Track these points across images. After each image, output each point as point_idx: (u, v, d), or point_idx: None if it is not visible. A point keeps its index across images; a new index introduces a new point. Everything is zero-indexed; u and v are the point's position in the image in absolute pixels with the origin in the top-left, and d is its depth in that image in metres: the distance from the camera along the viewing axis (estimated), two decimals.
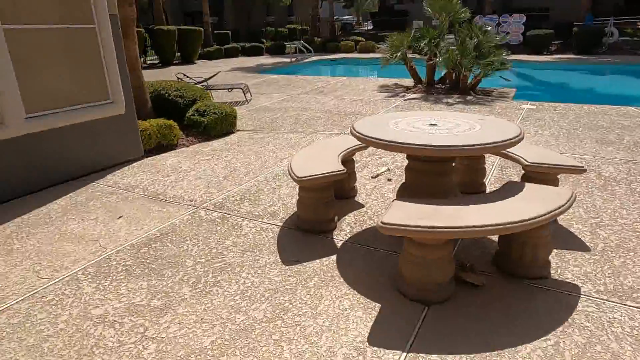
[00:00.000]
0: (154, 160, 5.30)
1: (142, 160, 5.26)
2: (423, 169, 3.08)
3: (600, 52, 17.97)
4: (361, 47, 22.68)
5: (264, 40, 26.09)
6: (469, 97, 8.68)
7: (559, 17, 25.41)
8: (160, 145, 5.70)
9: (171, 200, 3.99)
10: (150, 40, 18.57)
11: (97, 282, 2.69)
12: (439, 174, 3.06)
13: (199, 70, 16.33)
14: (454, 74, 9.26)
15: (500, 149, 2.64)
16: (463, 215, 2.32)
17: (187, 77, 9.58)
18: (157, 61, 19.36)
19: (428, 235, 2.24)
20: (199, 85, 8.68)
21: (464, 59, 8.46)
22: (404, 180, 3.38)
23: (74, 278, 2.74)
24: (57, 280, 2.72)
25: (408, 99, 8.80)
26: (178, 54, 19.77)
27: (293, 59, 18.48)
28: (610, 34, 17.80)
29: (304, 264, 2.83)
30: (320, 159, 3.47)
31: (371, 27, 37.07)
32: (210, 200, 3.95)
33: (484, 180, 4.08)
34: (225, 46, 22.41)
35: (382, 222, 2.29)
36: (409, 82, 11.00)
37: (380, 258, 2.89)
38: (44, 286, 2.66)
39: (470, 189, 4.01)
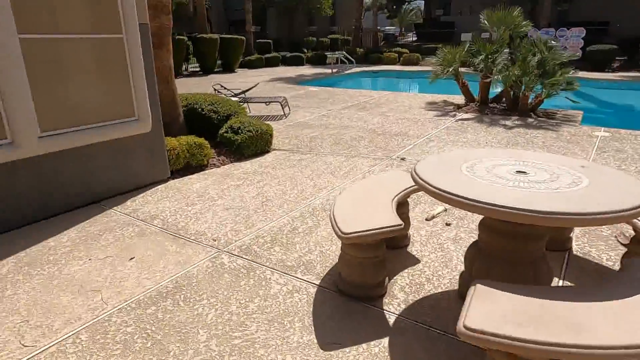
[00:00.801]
0: (181, 183, 4.82)
1: (168, 183, 4.80)
2: (507, 231, 2.36)
3: None
4: (405, 59, 21.92)
5: (305, 50, 25.82)
6: (530, 120, 7.78)
7: (619, 32, 23.68)
8: (189, 166, 5.23)
9: (192, 237, 3.46)
10: (193, 48, 18.62)
11: (87, 358, 2.15)
12: (529, 238, 2.34)
13: (238, 79, 16.12)
14: (511, 93, 8.38)
15: (635, 217, 1.90)
16: (586, 322, 1.61)
17: (225, 88, 9.21)
18: (198, 69, 19.39)
19: (541, 355, 1.53)
20: (236, 98, 8.26)
21: (525, 76, 7.60)
22: (476, 239, 2.67)
23: (60, 349, 2.21)
24: (40, 350, 2.21)
25: (460, 120, 8.00)
26: (219, 62, 19.75)
27: (334, 70, 17.99)
28: None
29: (347, 349, 2.18)
30: (370, 203, 2.82)
31: (415, 39, 36.19)
32: (235, 242, 3.38)
33: (570, 234, 3.30)
34: (267, 55, 22.26)
35: (464, 326, 1.62)
36: (459, 99, 10.18)
37: (448, 348, 2.20)
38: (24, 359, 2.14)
39: (553, 245, 3.23)
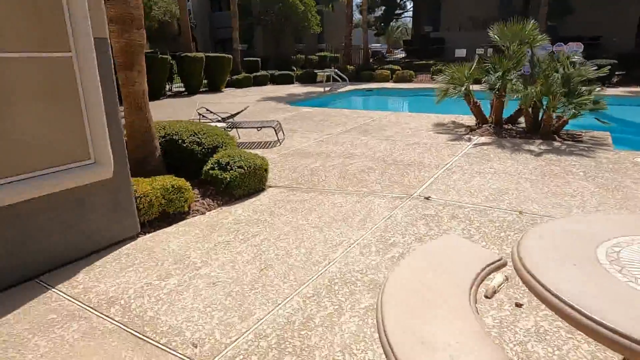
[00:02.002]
0: (154, 240, 3.76)
1: (137, 241, 3.73)
2: None
3: None
4: (397, 76, 21.26)
5: (295, 68, 25.07)
6: (556, 144, 6.92)
7: (611, 47, 23.46)
8: (166, 214, 4.18)
9: (163, 341, 2.40)
10: (177, 68, 17.65)
11: None
12: None
13: (226, 99, 15.16)
14: (531, 114, 7.54)
15: None
16: None
17: (211, 112, 8.21)
18: (183, 89, 18.40)
19: None
20: (223, 124, 7.26)
21: (549, 95, 6.76)
22: None
23: None
24: None
25: (477, 145, 7.11)
26: (205, 82, 18.80)
27: (327, 89, 17.16)
28: None
29: None
30: (435, 302, 1.82)
31: (403, 55, 35.85)
32: (225, 349, 2.33)
33: None
34: (255, 74, 21.40)
35: None
36: (468, 119, 9.34)
37: None
38: None
39: None
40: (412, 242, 3.62)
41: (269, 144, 7.67)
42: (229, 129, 7.72)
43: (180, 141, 5.14)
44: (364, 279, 3.03)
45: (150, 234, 3.88)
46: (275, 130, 7.64)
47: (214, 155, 5.06)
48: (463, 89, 7.97)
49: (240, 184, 4.80)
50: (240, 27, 23.75)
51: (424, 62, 24.87)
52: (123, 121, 4.31)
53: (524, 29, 7.93)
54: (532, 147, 6.77)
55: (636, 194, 4.65)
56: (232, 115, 8.22)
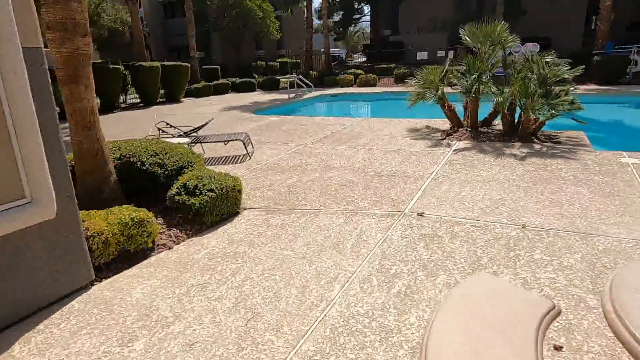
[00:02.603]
0: (111, 289, 3.12)
1: (90, 292, 3.08)
2: None
3: (625, 81, 16.59)
4: (361, 80, 21.10)
5: (256, 75, 24.43)
6: (536, 146, 6.76)
7: (560, 47, 24.41)
8: (126, 253, 3.54)
9: None
10: (132, 78, 16.62)
11: None
12: None
13: (186, 110, 14.35)
14: (508, 116, 7.37)
15: None
16: None
17: (172, 126, 7.53)
18: (138, 100, 17.36)
19: None
20: (186, 139, 6.61)
21: (527, 97, 6.59)
22: None
23: None
24: None
25: (458, 150, 6.83)
26: (163, 92, 17.85)
27: (291, 95, 16.67)
28: (634, 63, 16.46)
29: None
30: None
31: (364, 60, 35.95)
32: None
33: None
34: (215, 82, 20.61)
35: None
36: (441, 123, 9.12)
37: None
38: None
39: None
40: (416, 270, 3.18)
41: (238, 159, 7.09)
42: (193, 144, 7.07)
43: (139, 163, 4.48)
44: (372, 325, 2.56)
45: (108, 280, 3.24)
46: (244, 144, 7.07)
47: (180, 178, 4.45)
48: (439, 92, 7.70)
49: (212, 209, 4.22)
50: (196, 34, 22.88)
51: (385, 65, 24.91)
52: (69, 140, 3.65)
53: (495, 30, 7.79)
54: (514, 151, 6.56)
55: (633, 198, 4.46)
56: (196, 129, 7.56)
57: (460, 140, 7.45)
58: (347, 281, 3.08)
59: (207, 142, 7.09)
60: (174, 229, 4.11)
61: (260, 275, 3.22)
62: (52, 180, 2.71)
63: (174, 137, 7.06)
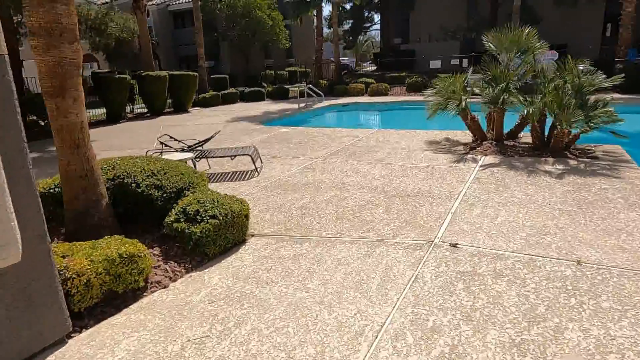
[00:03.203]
0: (93, 343, 2.60)
1: (67, 348, 2.56)
2: None
3: None
4: (372, 89, 20.59)
5: (265, 85, 24.07)
6: (571, 162, 6.15)
7: (577, 55, 23.73)
8: (113, 295, 3.02)
9: None
10: (139, 88, 16.31)
11: None
12: None
13: (193, 121, 13.95)
14: (539, 128, 6.79)
15: None
16: None
17: (175, 139, 7.06)
18: (145, 110, 17.03)
19: None
20: (190, 154, 6.12)
21: (561, 108, 6.01)
22: None
23: None
24: None
25: (485, 166, 6.25)
26: (170, 101, 17.51)
27: (301, 105, 16.21)
28: None
29: None
30: None
31: (374, 68, 35.52)
32: None
33: None
34: (223, 92, 20.26)
35: None
36: (462, 135, 8.56)
37: None
38: None
39: None
40: (459, 323, 2.62)
41: (246, 175, 6.58)
42: (198, 159, 6.60)
43: (133, 185, 3.99)
44: None
45: (89, 332, 2.72)
46: (252, 158, 6.56)
47: (179, 202, 3.94)
48: (462, 104, 7.15)
49: (215, 239, 3.69)
50: (205, 43, 22.64)
51: (396, 74, 24.40)
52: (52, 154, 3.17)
53: (521, 36, 7.23)
54: (548, 168, 5.96)
55: None
56: (201, 143, 7.09)
57: (486, 155, 6.87)
58: (376, 337, 2.53)
59: (212, 157, 6.60)
60: (171, 262, 3.59)
61: (270, 326, 2.68)
62: (17, 217, 2.20)
63: (177, 151, 6.58)
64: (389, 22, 34.60)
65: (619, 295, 2.84)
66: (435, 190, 5.32)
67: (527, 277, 3.13)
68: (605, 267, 3.22)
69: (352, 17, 37.17)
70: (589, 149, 6.84)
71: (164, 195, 4.03)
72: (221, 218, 3.74)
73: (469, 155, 6.95)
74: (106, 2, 24.09)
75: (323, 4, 24.92)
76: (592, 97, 6.54)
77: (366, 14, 37.81)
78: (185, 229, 3.66)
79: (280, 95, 21.31)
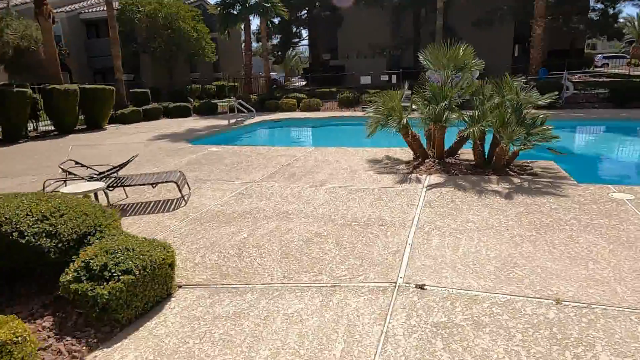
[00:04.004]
0: None
1: None
2: None
3: (559, 106, 17.21)
4: (305, 105, 20.24)
5: (191, 99, 22.77)
6: (515, 180, 6.08)
7: (492, 73, 25.48)
8: None
9: None
10: (44, 103, 14.39)
11: None
12: None
13: (109, 139, 12.50)
14: (480, 146, 6.70)
15: None
16: None
17: (82, 165, 5.97)
18: (52, 128, 15.07)
19: None
20: (100, 183, 5.13)
21: (506, 126, 5.93)
22: None
23: None
24: None
25: (432, 186, 5.97)
26: (82, 117, 15.70)
27: (232, 121, 15.33)
28: (566, 88, 17.15)
29: None
30: None
31: (304, 83, 35.48)
32: None
33: None
34: (145, 107, 18.70)
35: None
36: (401, 153, 8.35)
37: None
38: None
39: None
40: None
41: (171, 204, 5.69)
42: (111, 188, 5.59)
43: (16, 234, 3.02)
44: None
45: None
46: (178, 186, 5.69)
47: (81, 253, 3.06)
48: (403, 121, 6.88)
49: (130, 300, 2.87)
50: (124, 55, 20.92)
51: (327, 89, 24.39)
52: None
53: (458, 54, 7.19)
54: (494, 187, 5.81)
55: None
56: (116, 169, 6.05)
57: (430, 174, 6.63)
58: None
59: (129, 185, 5.62)
60: (68, 337, 2.71)
61: None
62: None
63: (85, 180, 5.52)
64: (317, 38, 34.86)
65: (611, 342, 2.51)
66: (386, 216, 4.88)
67: (510, 325, 2.72)
68: (586, 304, 2.92)
69: (280, 32, 36.93)
70: (526, 166, 6.88)
71: (60, 245, 3.11)
72: (138, 272, 2.93)
73: (414, 175, 6.66)
74: (2, 8, 21.40)
75: (251, 18, 24.34)
76: (529, 114, 6.58)
77: (294, 30, 37.83)
78: (87, 291, 2.79)
79: (208, 110, 20.19)
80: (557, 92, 6.76)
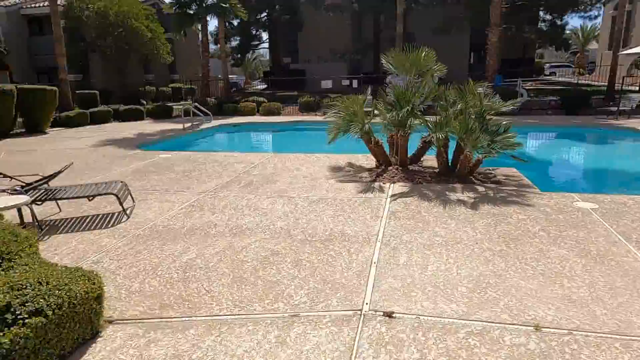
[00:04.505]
0: None
1: None
2: None
3: (513, 112, 17.67)
4: (265, 109, 19.74)
5: (145, 102, 21.68)
6: (479, 188, 5.92)
7: (450, 79, 26.03)
8: None
9: None
10: None
11: None
12: None
13: (50, 144, 11.49)
14: (444, 153, 6.52)
15: None
16: None
17: (5, 175, 5.24)
18: None
19: None
20: (24, 197, 4.45)
21: (470, 133, 5.76)
22: None
23: None
24: None
25: (396, 196, 5.69)
26: (21, 120, 14.44)
27: (187, 125, 14.57)
28: (520, 95, 17.63)
29: None
30: None
31: (264, 87, 34.88)
32: None
33: None
34: (92, 109, 17.53)
35: None
36: (364, 159, 8.08)
37: None
38: None
39: None
40: None
41: (111, 219, 5.08)
42: (39, 202, 4.92)
43: None
44: None
45: None
46: (118, 198, 5.09)
47: None
48: (365, 127, 6.60)
49: (39, 348, 2.34)
50: (71, 54, 19.59)
51: (288, 93, 24.03)
52: None
53: (420, 57, 7.00)
54: (459, 196, 5.61)
55: (630, 262, 3.61)
56: (46, 179, 5.34)
57: (393, 182, 6.36)
58: None
59: (62, 198, 4.96)
60: None
61: None
62: None
63: (7, 192, 4.81)
64: (277, 41, 34.44)
65: None
66: (349, 230, 4.53)
67: None
68: (566, 331, 2.67)
69: (239, 34, 36.22)
70: (490, 173, 6.77)
71: None
72: (51, 312, 2.40)
73: (377, 183, 6.37)
74: None
75: (209, 18, 23.57)
76: (492, 121, 6.47)
77: (254, 32, 37.21)
78: None
79: (163, 114, 19.24)
80: (519, 99, 6.69)
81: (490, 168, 7.10)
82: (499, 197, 5.51)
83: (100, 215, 5.24)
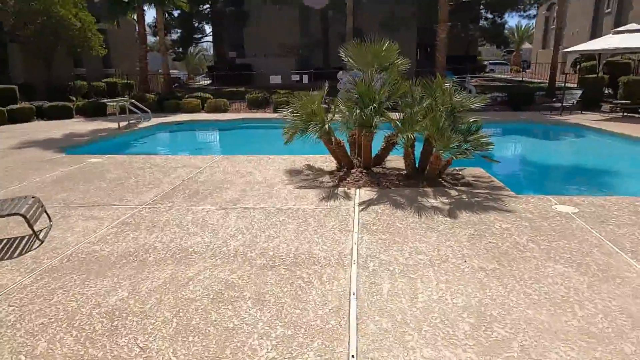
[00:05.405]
0: None
1: None
2: None
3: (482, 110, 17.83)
4: (210, 105, 18.52)
5: (74, 98, 19.66)
6: (452, 192, 5.47)
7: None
8: None
9: None
10: None
11: None
12: None
13: None
14: (412, 154, 6.02)
15: None
16: None
17: None
18: None
19: None
20: None
21: (441, 133, 5.28)
22: None
23: None
24: None
25: (364, 204, 5.09)
26: None
27: (122, 124, 13.15)
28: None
29: None
30: None
31: (209, 82, 33.26)
32: None
33: None
34: (11, 107, 15.50)
35: None
36: (322, 160, 7.44)
37: None
38: None
39: None
40: None
41: (16, 246, 4.05)
42: None
43: None
44: None
45: None
46: (27, 220, 4.06)
47: None
48: (325, 127, 5.94)
49: None
50: None
51: (234, 89, 22.85)
52: None
53: (382, 51, 6.45)
54: (433, 202, 5.11)
55: (631, 276, 3.24)
56: None
57: (359, 187, 5.76)
58: None
59: None
60: None
61: None
62: None
63: None
64: (222, 34, 32.94)
65: None
66: (317, 249, 3.85)
67: None
68: None
69: (180, 27, 34.24)
70: (457, 174, 6.37)
71: None
72: None
73: (341, 189, 5.74)
74: None
75: (145, 8, 21.81)
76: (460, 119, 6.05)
77: (196, 25, 35.34)
78: None
79: (96, 111, 17.45)
80: (488, 96, 6.33)
81: (457, 169, 6.71)
82: (474, 202, 5.07)
83: (4, 241, 4.18)
